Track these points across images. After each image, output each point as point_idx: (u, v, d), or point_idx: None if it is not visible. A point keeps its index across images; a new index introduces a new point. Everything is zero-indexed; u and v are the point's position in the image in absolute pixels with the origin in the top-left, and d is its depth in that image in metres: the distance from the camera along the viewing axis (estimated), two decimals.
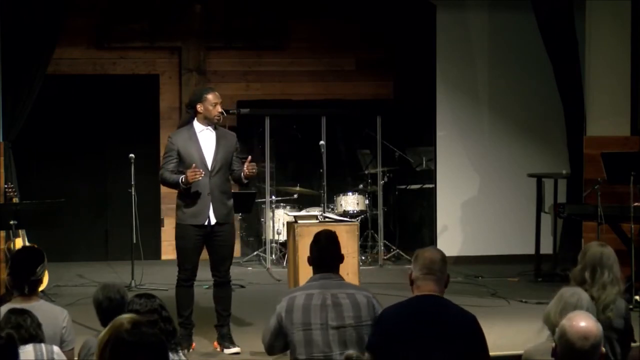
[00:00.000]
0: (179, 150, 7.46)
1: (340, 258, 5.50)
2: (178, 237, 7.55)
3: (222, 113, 7.55)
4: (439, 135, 11.95)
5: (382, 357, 4.59)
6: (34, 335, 4.85)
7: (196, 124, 7.52)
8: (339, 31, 12.80)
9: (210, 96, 7.49)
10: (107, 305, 5.16)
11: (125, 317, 3.38)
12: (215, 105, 7.47)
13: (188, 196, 7.43)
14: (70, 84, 12.23)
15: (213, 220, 7.43)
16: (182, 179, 7.34)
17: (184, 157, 7.45)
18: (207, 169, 7.42)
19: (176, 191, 7.62)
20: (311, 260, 5.49)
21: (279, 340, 5.34)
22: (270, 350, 5.46)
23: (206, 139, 7.49)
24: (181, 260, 7.55)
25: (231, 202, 7.61)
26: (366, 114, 12.41)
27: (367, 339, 5.20)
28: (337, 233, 7.54)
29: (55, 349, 4.96)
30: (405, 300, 4.86)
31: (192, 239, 7.45)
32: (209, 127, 7.51)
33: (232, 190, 7.84)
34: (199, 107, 7.50)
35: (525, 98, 11.91)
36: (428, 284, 4.77)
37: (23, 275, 5.43)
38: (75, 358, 5.47)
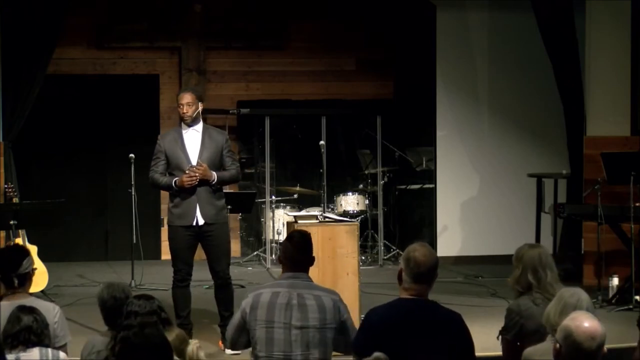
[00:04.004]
0: (165, 151, 7.52)
1: (311, 260, 5.48)
2: (169, 239, 7.63)
3: (186, 112, 7.50)
4: (439, 135, 11.95)
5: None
6: (42, 338, 4.87)
7: (182, 125, 7.61)
8: (339, 31, 12.80)
9: (178, 97, 7.66)
10: (112, 305, 5.17)
11: None
12: (180, 106, 7.55)
13: (175, 197, 7.50)
14: (70, 84, 12.22)
15: (201, 221, 7.46)
16: (175, 181, 7.40)
17: (170, 158, 7.52)
18: None
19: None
20: (283, 260, 5.46)
21: (242, 335, 5.35)
22: (233, 345, 5.47)
23: (191, 139, 7.54)
24: (175, 261, 7.59)
25: (222, 201, 7.62)
26: (366, 114, 12.41)
27: (330, 342, 5.22)
28: (337, 233, 7.57)
29: (62, 355, 4.97)
30: (391, 302, 4.85)
31: (182, 240, 7.48)
32: (194, 127, 7.54)
33: (233, 191, 7.85)
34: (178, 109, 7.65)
35: (525, 98, 11.91)
36: (416, 289, 4.75)
37: (10, 270, 5.47)
38: (77, 358, 5.48)
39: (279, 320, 5.22)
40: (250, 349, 5.45)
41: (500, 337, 5.52)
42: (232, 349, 5.55)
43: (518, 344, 5.29)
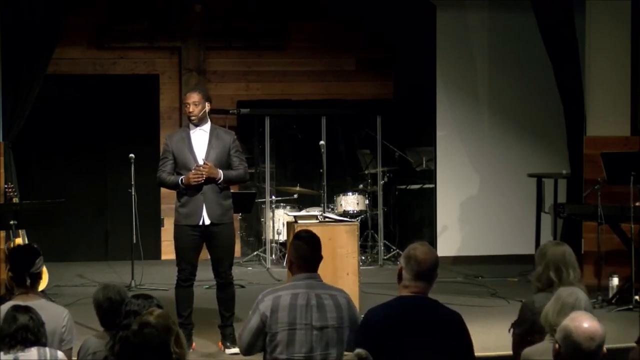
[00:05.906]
0: (173, 151, 7.52)
1: (321, 258, 5.46)
2: (175, 238, 7.61)
3: (192, 112, 7.51)
4: (439, 135, 11.95)
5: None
6: (39, 337, 4.87)
7: (190, 125, 7.60)
8: (339, 31, 12.80)
9: (184, 96, 7.69)
10: (108, 306, 5.17)
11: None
12: (186, 105, 7.57)
13: (182, 196, 7.50)
14: (70, 84, 12.23)
15: (207, 221, 7.45)
16: (181, 179, 7.40)
17: (177, 157, 7.53)
18: None
19: (175, 191, 7.67)
20: (295, 260, 5.38)
21: (259, 339, 5.27)
22: (248, 350, 5.34)
23: (198, 139, 7.55)
24: (179, 261, 7.59)
25: (229, 202, 7.60)
26: (366, 114, 12.41)
27: (345, 340, 5.19)
28: (337, 233, 7.56)
29: (60, 354, 4.96)
30: (390, 301, 4.84)
31: (187, 239, 7.49)
32: (201, 127, 7.55)
33: (233, 190, 7.84)
34: None
35: (525, 98, 11.91)
36: (417, 286, 4.74)
37: (23, 268, 5.49)
38: (74, 358, 5.48)
39: (300, 321, 5.19)
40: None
41: (511, 330, 5.52)
42: (247, 354, 5.42)
43: (529, 338, 5.28)
